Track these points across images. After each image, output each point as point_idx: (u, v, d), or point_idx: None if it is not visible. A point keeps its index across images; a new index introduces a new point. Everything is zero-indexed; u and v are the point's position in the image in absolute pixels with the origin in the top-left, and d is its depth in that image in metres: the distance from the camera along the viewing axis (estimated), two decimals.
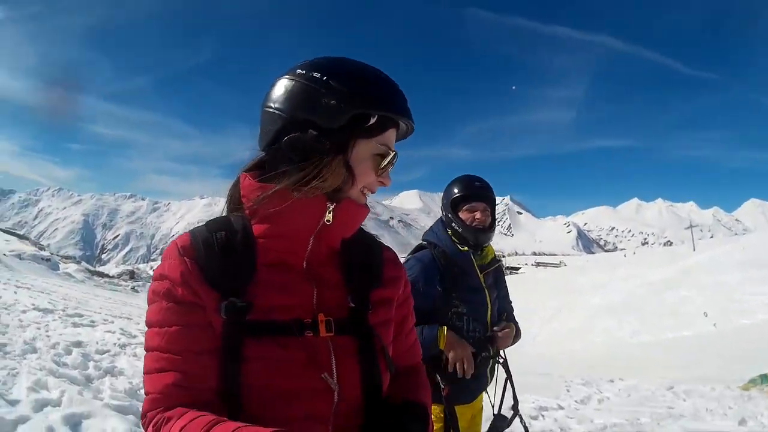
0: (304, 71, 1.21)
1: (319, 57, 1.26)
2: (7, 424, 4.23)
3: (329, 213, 1.22)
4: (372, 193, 1.31)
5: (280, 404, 1.13)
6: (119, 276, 38.28)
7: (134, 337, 9.70)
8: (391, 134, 1.28)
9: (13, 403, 4.77)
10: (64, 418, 4.52)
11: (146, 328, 1.18)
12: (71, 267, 32.49)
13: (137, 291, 29.95)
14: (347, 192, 1.24)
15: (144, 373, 1.15)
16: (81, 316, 11.43)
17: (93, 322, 10.91)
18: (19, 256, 28.97)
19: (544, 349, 26.46)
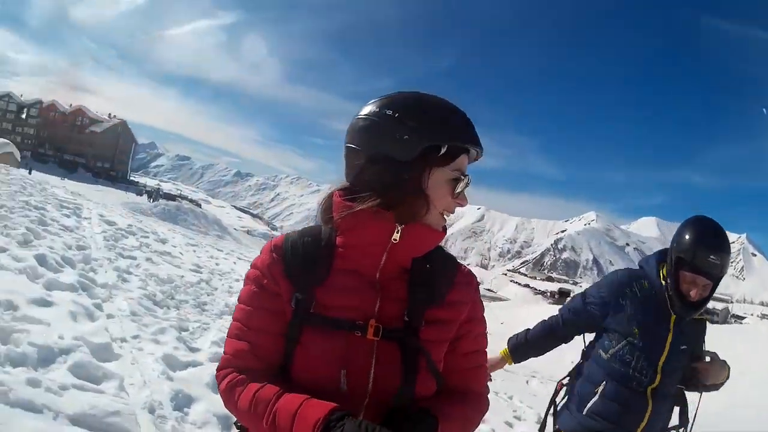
0: (377, 109, 1.39)
1: (392, 93, 1.44)
2: (180, 364, 4.85)
3: (397, 233, 1.38)
4: (451, 213, 1.46)
5: (317, 388, 1.31)
6: None
7: None
8: (462, 160, 1.42)
9: (194, 350, 5.46)
10: None
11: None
12: None
13: None
14: (424, 216, 1.41)
15: (227, 336, 1.47)
16: None
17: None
18: (249, 232, 32.13)
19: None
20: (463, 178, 1.41)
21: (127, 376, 4.25)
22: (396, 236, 1.37)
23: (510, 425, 7.29)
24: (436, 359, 1.43)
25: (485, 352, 1.62)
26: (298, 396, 1.24)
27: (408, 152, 1.34)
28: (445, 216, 1.44)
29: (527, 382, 12.99)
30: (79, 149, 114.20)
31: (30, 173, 34.27)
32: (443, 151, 1.37)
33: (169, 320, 6.35)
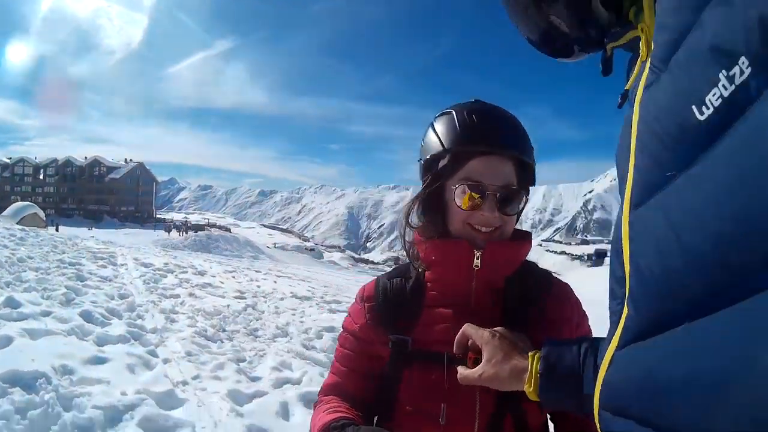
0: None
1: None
2: (244, 397, 4.84)
3: (477, 259, 1.36)
4: (487, 227, 1.37)
5: (419, 422, 1.35)
6: (384, 262, 41.29)
7: None
8: (472, 166, 1.35)
9: (255, 380, 5.46)
10: (301, 395, 5.05)
11: None
12: (335, 255, 35.63)
13: None
14: (453, 231, 1.40)
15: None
16: (339, 302, 12.45)
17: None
18: (283, 248, 32.45)
19: None
20: (470, 186, 1.34)
21: (196, 421, 4.27)
22: (477, 262, 1.36)
23: None
24: None
25: None
26: (328, 415, 1.37)
27: (422, 172, 1.46)
28: (479, 228, 1.37)
29: None
30: (102, 198, 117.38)
31: (57, 230, 35.01)
32: (444, 162, 1.39)
33: (226, 353, 6.37)
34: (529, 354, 1.10)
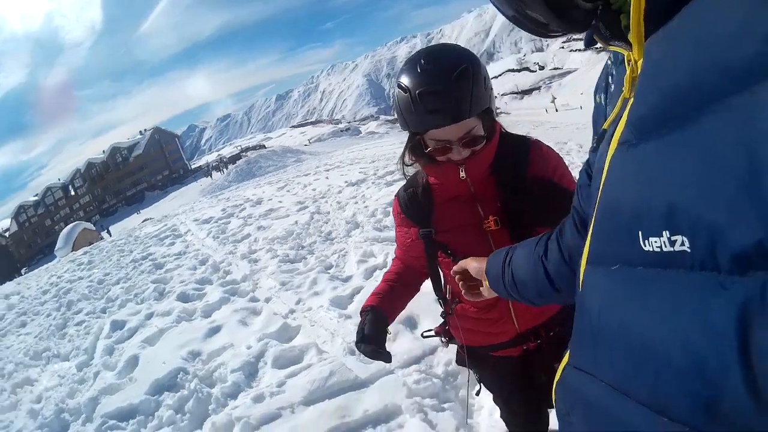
0: None
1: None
2: (346, 299, 5.27)
3: (462, 172, 1.78)
4: (462, 158, 1.76)
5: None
6: None
7: None
8: (435, 133, 1.70)
9: (347, 279, 5.88)
10: None
11: None
12: (372, 125, 35.46)
13: None
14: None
15: None
16: (392, 172, 12.82)
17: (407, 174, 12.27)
18: (320, 140, 32.43)
19: None
20: (438, 143, 1.72)
21: (315, 338, 4.76)
22: (462, 174, 1.78)
23: None
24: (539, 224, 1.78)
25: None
26: (372, 295, 2.13)
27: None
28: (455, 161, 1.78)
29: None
30: (135, 179, 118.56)
31: (110, 234, 35.99)
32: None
33: (313, 268, 6.82)
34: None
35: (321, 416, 3.60)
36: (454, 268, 1.60)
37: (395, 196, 2.12)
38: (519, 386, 2.25)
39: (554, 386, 0.90)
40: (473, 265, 1.52)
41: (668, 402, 0.57)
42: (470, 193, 1.85)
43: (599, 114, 0.91)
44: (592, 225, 0.75)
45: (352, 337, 4.38)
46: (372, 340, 1.92)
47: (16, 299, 12.02)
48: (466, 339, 2.12)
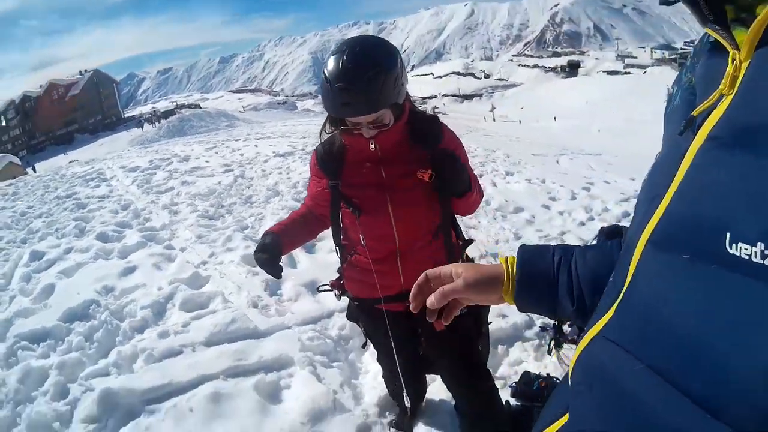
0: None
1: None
2: (253, 258, 5.79)
3: (372, 145, 2.14)
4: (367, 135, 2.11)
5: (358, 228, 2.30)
6: None
7: None
8: (348, 120, 2.10)
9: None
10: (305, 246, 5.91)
11: None
12: (308, 102, 35.55)
13: None
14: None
15: None
16: None
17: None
18: (255, 108, 32.39)
19: None
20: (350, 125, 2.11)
21: (223, 289, 5.22)
22: (373, 146, 2.14)
23: (547, 207, 7.98)
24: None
25: (471, 172, 2.34)
26: (279, 223, 2.50)
27: None
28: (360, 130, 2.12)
29: (557, 161, 13.42)
30: (68, 119, 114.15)
31: (35, 172, 34.79)
32: None
33: (230, 227, 7.27)
34: (501, 259, 1.20)
35: (220, 356, 4.02)
36: (421, 279, 1.24)
37: (314, 150, 2.39)
38: (400, 343, 2.47)
39: (577, 353, 0.87)
40: (474, 276, 1.16)
41: (724, 406, 0.57)
42: (377, 158, 2.19)
43: (673, 102, 0.87)
44: (664, 205, 0.71)
45: (258, 291, 4.91)
46: (269, 252, 2.26)
47: None
48: (356, 291, 2.51)
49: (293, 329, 4.42)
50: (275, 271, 2.28)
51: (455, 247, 2.46)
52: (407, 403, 2.47)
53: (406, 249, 2.30)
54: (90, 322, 4.80)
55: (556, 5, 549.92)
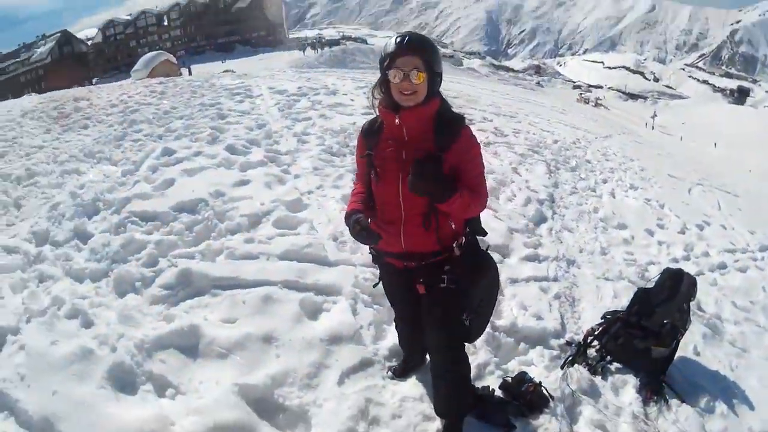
0: None
1: None
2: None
3: (397, 119, 2.72)
4: (406, 90, 2.64)
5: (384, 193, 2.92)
6: (524, 70, 39.96)
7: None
8: (397, 62, 2.62)
9: None
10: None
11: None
12: (475, 62, 35.04)
13: (542, 86, 29.98)
14: (394, 98, 2.70)
15: None
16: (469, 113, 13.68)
17: (471, 121, 12.73)
18: None
19: None
20: (395, 74, 2.62)
21: (314, 219, 5.87)
22: (398, 121, 2.72)
23: (651, 233, 7.94)
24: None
25: (483, 173, 2.92)
26: (351, 203, 3.02)
27: (379, 67, 2.75)
28: (403, 93, 2.65)
29: (689, 190, 12.60)
30: (231, 29, 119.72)
31: (190, 73, 36.50)
32: (386, 61, 2.66)
33: (346, 166, 7.87)
34: None
35: (286, 270, 4.79)
36: None
37: (361, 126, 3.06)
38: (401, 294, 3.28)
39: None
40: None
41: None
42: (403, 139, 2.77)
43: None
44: None
45: (342, 228, 5.46)
46: (364, 227, 2.80)
47: (85, 104, 13.46)
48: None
49: (356, 267, 5.02)
50: (374, 239, 2.83)
51: (451, 234, 2.93)
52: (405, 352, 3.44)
53: (408, 219, 2.84)
54: (194, 216, 5.72)
55: (738, 21, 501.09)
